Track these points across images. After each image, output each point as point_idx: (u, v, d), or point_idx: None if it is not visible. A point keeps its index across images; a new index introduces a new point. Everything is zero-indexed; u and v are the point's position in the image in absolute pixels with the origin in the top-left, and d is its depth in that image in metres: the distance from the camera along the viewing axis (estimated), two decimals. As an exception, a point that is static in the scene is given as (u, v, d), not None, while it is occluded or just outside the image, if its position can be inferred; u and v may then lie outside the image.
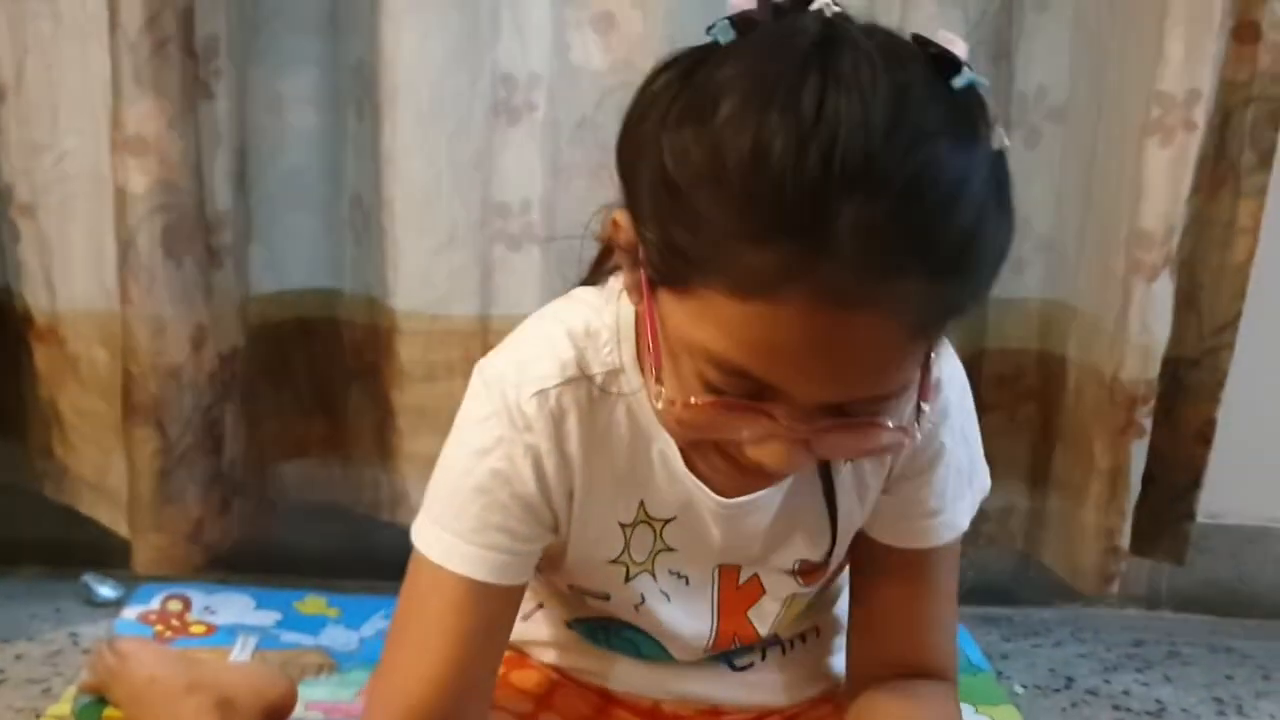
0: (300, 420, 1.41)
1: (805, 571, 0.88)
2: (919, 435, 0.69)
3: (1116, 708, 1.36)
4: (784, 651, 0.94)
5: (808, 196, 0.57)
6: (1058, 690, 1.39)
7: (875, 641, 0.91)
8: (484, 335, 1.32)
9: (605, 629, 0.90)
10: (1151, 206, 1.24)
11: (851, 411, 0.66)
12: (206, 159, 1.23)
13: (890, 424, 0.67)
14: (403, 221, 1.28)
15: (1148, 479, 1.36)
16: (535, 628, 0.94)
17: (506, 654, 0.95)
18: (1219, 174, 1.30)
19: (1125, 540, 1.37)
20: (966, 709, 1.18)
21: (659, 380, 0.67)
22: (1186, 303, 1.33)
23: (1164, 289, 1.28)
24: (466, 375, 1.34)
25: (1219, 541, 1.54)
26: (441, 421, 1.36)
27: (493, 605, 0.79)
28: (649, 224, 0.65)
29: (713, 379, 0.64)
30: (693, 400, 0.66)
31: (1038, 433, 1.42)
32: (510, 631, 0.82)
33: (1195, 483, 1.39)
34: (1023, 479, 1.44)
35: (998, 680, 1.38)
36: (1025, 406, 1.42)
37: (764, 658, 0.93)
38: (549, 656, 0.94)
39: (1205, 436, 1.36)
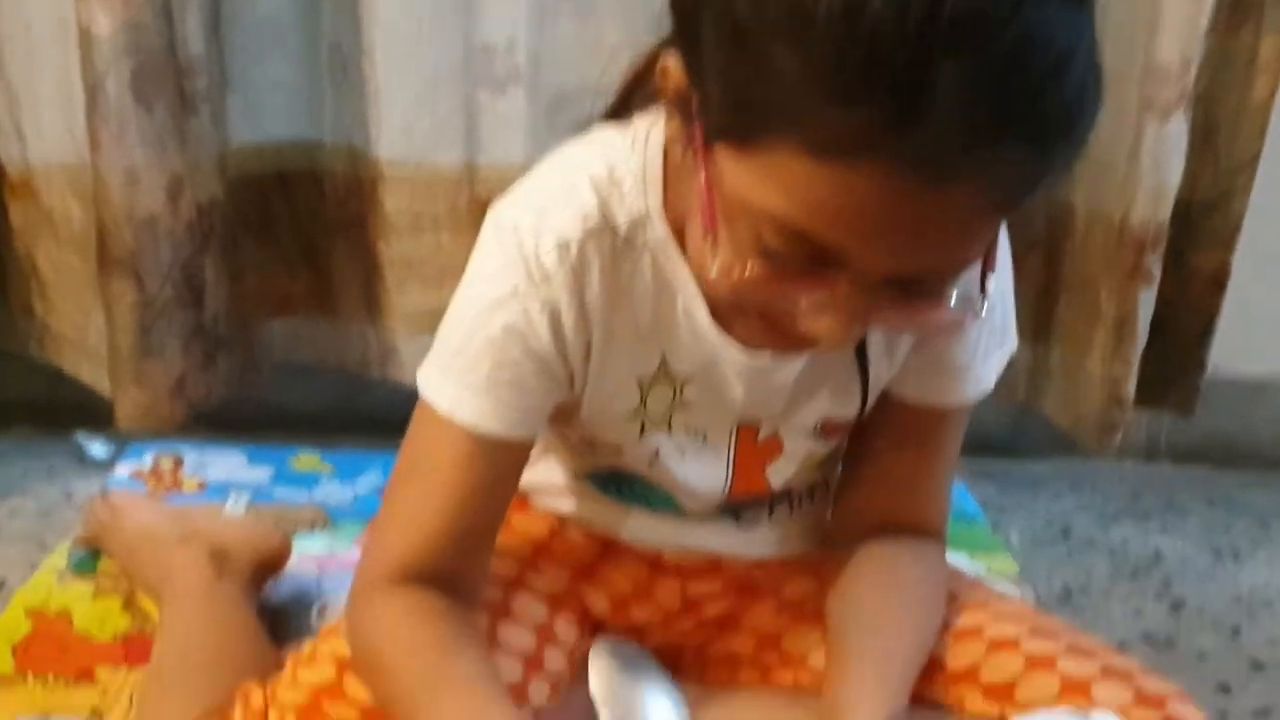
0: (284, 276, 1.38)
1: (828, 430, 0.85)
2: (983, 313, 0.66)
3: (1114, 556, 1.36)
4: (791, 510, 0.92)
5: (906, 52, 0.52)
6: (1054, 541, 1.39)
7: (870, 498, 0.89)
8: (471, 184, 1.28)
9: (616, 481, 0.88)
10: (1168, 39, 1.18)
11: (915, 285, 0.62)
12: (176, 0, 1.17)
13: (954, 301, 0.64)
14: (383, 68, 1.23)
15: (1156, 328, 1.33)
16: (542, 475, 0.92)
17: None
18: (1241, 8, 1.24)
19: (1130, 391, 1.35)
20: (961, 557, 1.18)
21: (713, 241, 0.63)
22: (1202, 142, 1.28)
23: (1178, 127, 1.22)
24: (454, 227, 1.33)
25: (1221, 394, 1.52)
26: (429, 275, 1.36)
27: (500, 460, 0.76)
28: (711, 73, 0.59)
29: (772, 243, 0.60)
30: (749, 267, 0.62)
31: (1043, 283, 1.39)
32: (516, 486, 0.80)
33: (1206, 332, 1.36)
34: (1025, 330, 1.40)
35: (993, 531, 1.37)
36: (1030, 256, 1.38)
37: (771, 514, 0.91)
38: (555, 504, 0.92)
39: (1218, 282, 1.33)
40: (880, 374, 0.83)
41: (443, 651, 0.72)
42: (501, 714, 0.70)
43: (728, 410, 0.81)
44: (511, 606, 0.86)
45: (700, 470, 0.84)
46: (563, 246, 0.72)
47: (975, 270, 0.65)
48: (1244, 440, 1.60)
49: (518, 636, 0.84)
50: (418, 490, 0.76)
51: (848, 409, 0.84)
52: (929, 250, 0.60)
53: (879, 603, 0.85)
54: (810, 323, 0.64)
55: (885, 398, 0.85)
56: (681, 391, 0.80)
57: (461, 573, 0.77)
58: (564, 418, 0.81)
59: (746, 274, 0.62)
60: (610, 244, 0.73)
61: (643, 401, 0.80)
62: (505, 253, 0.73)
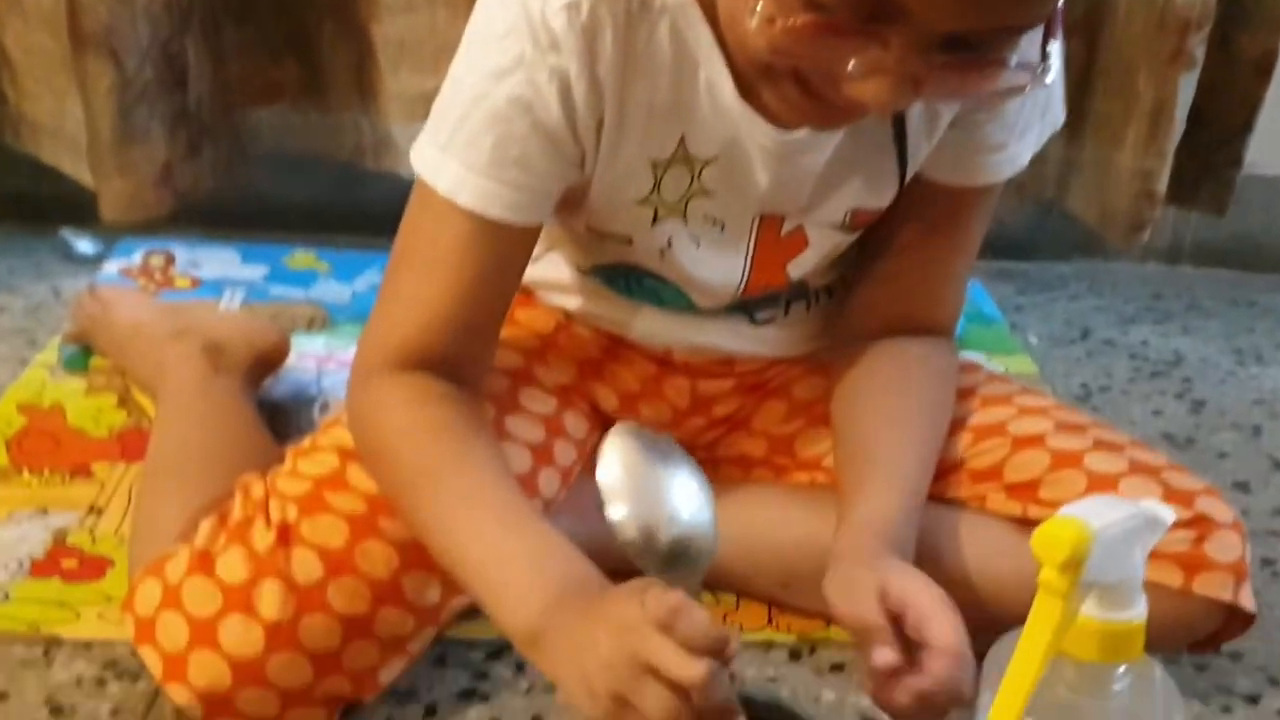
0: (270, 61, 1.29)
1: (857, 222, 0.80)
2: (1046, 80, 0.60)
3: (1134, 358, 1.33)
4: (808, 307, 0.88)
5: None
6: (1073, 341, 1.36)
7: (883, 293, 0.85)
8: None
9: (625, 276, 0.83)
10: None
11: (974, 47, 0.58)
12: None
13: (1014, 65, 0.59)
14: None
15: (1193, 120, 1.26)
16: (547, 270, 0.87)
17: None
18: None
19: (1162, 186, 1.29)
20: (978, 356, 1.15)
21: None
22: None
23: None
24: (451, 3, 1.23)
25: (1252, 193, 1.45)
26: (425, 57, 1.27)
27: (504, 245, 0.71)
28: None
29: None
30: (796, 19, 0.56)
31: (1080, 70, 1.31)
32: (521, 274, 0.75)
33: (1246, 125, 1.29)
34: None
35: (1012, 332, 1.34)
36: (1068, 42, 1.29)
37: (787, 313, 0.87)
38: (562, 300, 0.87)
39: (1264, 69, 1.25)
40: (919, 155, 0.77)
41: (446, 435, 0.69)
42: (508, 496, 0.67)
43: (750, 199, 0.76)
44: (519, 399, 0.82)
45: (715, 263, 0.79)
46: (572, 7, 0.65)
47: (1034, 36, 0.60)
48: (1270, 242, 1.55)
49: (526, 428, 0.81)
50: (417, 276, 0.71)
51: (880, 197, 0.79)
52: (997, 4, 0.55)
53: (887, 402, 0.82)
54: (856, 87, 0.59)
55: (911, 181, 0.79)
56: (700, 176, 0.74)
57: (464, 361, 0.73)
58: (571, 205, 0.76)
59: (791, 25, 0.56)
60: (624, 7, 0.66)
61: (656, 186, 0.74)
62: (508, 15, 0.66)
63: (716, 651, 0.53)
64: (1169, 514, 0.52)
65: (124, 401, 1.07)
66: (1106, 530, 0.47)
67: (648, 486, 0.58)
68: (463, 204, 0.68)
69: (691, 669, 0.52)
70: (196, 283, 1.31)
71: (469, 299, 0.71)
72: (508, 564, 0.64)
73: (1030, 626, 0.47)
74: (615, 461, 0.59)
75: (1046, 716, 0.51)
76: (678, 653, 0.53)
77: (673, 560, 0.57)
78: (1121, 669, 0.52)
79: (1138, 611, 0.51)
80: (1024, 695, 0.47)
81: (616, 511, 0.57)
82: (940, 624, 0.63)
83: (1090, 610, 0.49)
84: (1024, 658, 0.47)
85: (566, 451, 0.83)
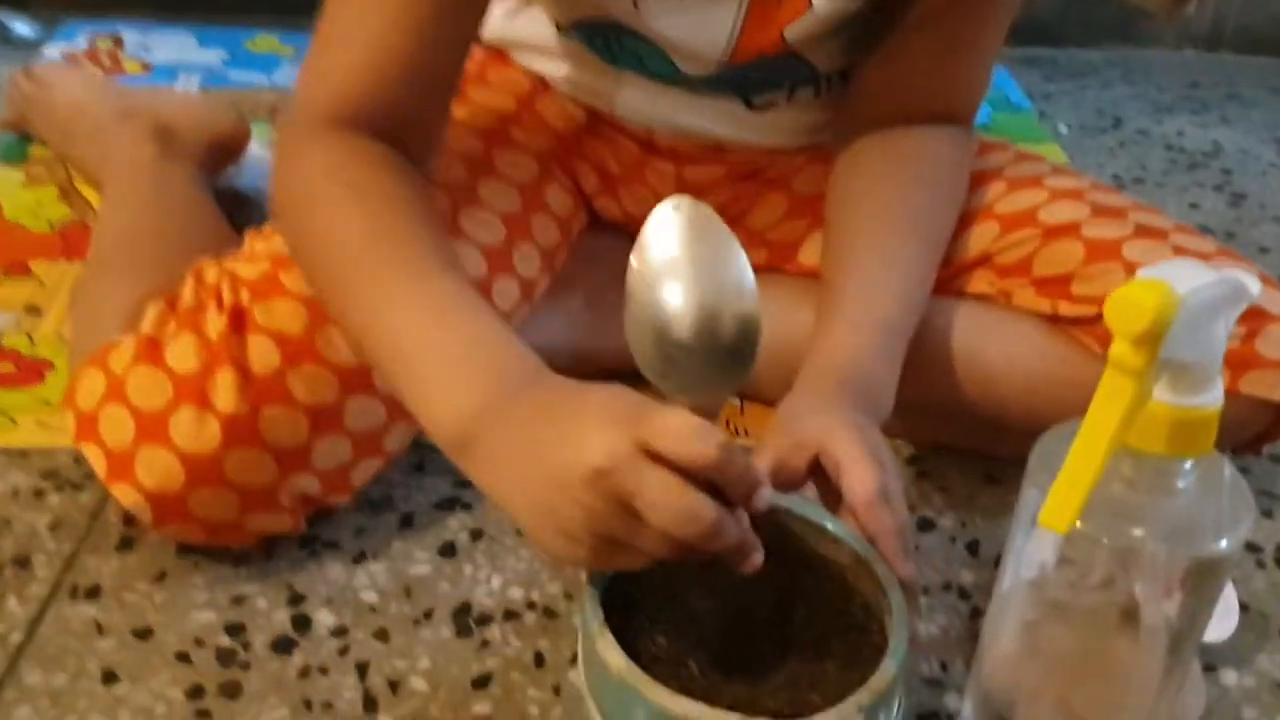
0: None
1: None
2: None
3: (1169, 149, 1.22)
4: (817, 93, 0.77)
5: None
6: (1105, 130, 1.25)
7: (899, 70, 0.73)
8: None
9: (605, 35, 0.73)
10: None
11: None
12: None
13: None
14: None
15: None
16: (525, 28, 0.76)
17: (485, 54, 0.80)
18: None
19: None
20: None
21: None
22: None
23: None
24: None
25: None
26: None
27: None
28: None
29: None
30: None
31: None
32: (479, 21, 0.64)
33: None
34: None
35: (1040, 121, 1.23)
36: None
37: (791, 97, 0.76)
38: (540, 65, 0.78)
39: None
40: None
41: (377, 203, 0.59)
42: (444, 280, 0.56)
43: None
44: (477, 191, 0.72)
45: (698, 16, 0.68)
46: None
47: None
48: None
49: (483, 227, 0.71)
50: (359, 10, 0.60)
51: None
52: None
53: (884, 202, 0.72)
54: None
55: None
56: None
57: (409, 123, 0.62)
58: None
59: None
60: None
61: None
62: None
63: (745, 495, 0.45)
64: (1255, 284, 0.44)
65: (66, 193, 0.97)
66: (1193, 297, 0.39)
67: (713, 258, 0.46)
68: None
69: (703, 450, 0.43)
70: (148, 68, 1.19)
71: (418, 39, 0.60)
72: (434, 353, 0.54)
73: (1095, 410, 0.39)
74: (670, 236, 0.46)
75: (1099, 515, 0.44)
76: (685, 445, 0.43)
77: (734, 352, 0.46)
78: (1188, 465, 0.45)
79: (1213, 397, 0.43)
80: (1085, 489, 0.39)
81: (673, 294, 0.45)
82: (851, 478, 0.54)
83: (1161, 395, 0.42)
84: (1087, 446, 0.39)
85: (529, 260, 0.73)
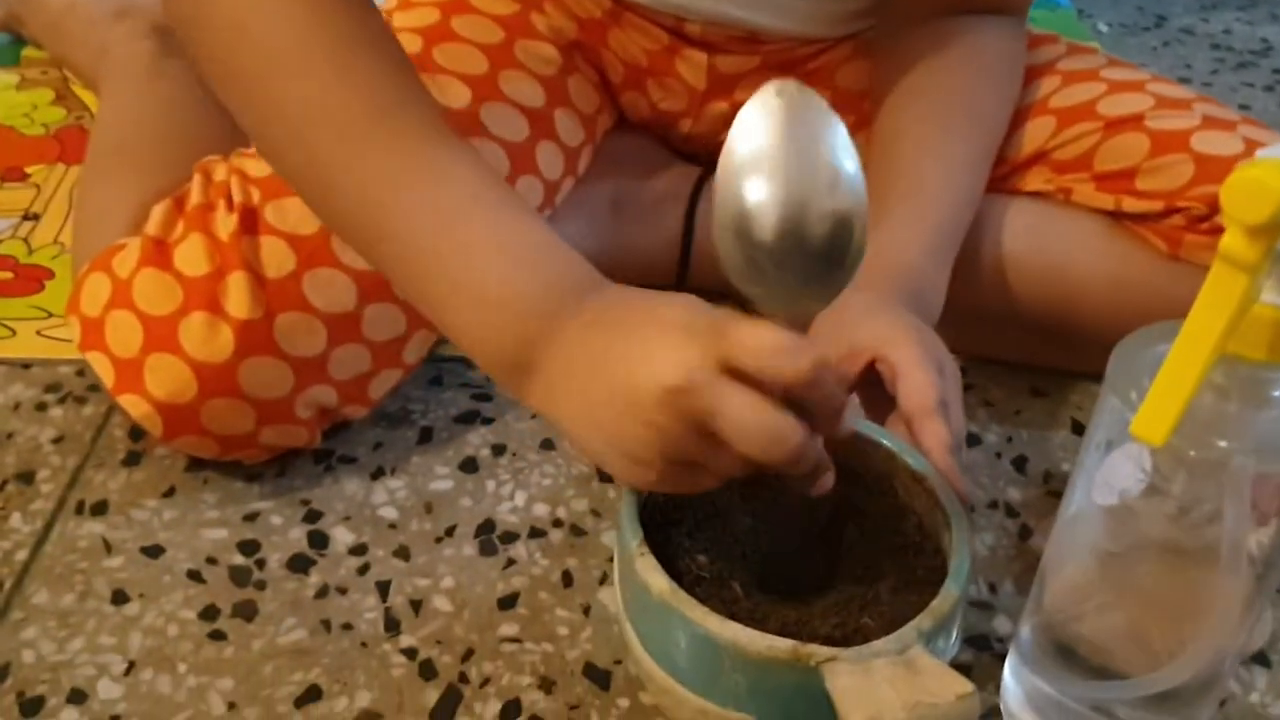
0: None
1: None
2: None
3: (1216, 47, 1.17)
4: None
5: None
6: (1147, 29, 1.19)
7: None
8: None
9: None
10: None
11: None
12: None
13: None
14: None
15: None
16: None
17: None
18: None
19: None
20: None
21: None
22: None
23: None
24: None
25: None
26: None
27: None
28: None
29: None
30: None
31: None
32: None
33: None
34: None
35: (1080, 18, 1.18)
36: None
37: None
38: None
39: None
40: None
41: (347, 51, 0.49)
42: (454, 147, 0.49)
43: None
44: (497, 81, 0.68)
45: None
46: None
47: None
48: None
49: (504, 120, 0.67)
50: None
51: None
52: None
53: (932, 100, 0.68)
54: None
55: None
56: None
57: None
58: None
59: None
60: None
61: None
62: None
63: (832, 419, 0.41)
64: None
65: (61, 96, 0.94)
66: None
67: (807, 149, 0.39)
68: None
69: (796, 364, 0.38)
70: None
71: None
72: (471, 254, 0.47)
73: (1199, 309, 0.35)
74: (764, 123, 0.40)
75: (1186, 426, 0.40)
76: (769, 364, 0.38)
77: (826, 256, 0.40)
78: (1287, 374, 0.41)
79: (1320, 300, 0.39)
80: (1185, 397, 0.36)
81: (755, 189, 0.39)
82: (909, 384, 0.50)
83: (1268, 296, 0.38)
84: (1188, 349, 0.35)
85: (553, 160, 0.69)
